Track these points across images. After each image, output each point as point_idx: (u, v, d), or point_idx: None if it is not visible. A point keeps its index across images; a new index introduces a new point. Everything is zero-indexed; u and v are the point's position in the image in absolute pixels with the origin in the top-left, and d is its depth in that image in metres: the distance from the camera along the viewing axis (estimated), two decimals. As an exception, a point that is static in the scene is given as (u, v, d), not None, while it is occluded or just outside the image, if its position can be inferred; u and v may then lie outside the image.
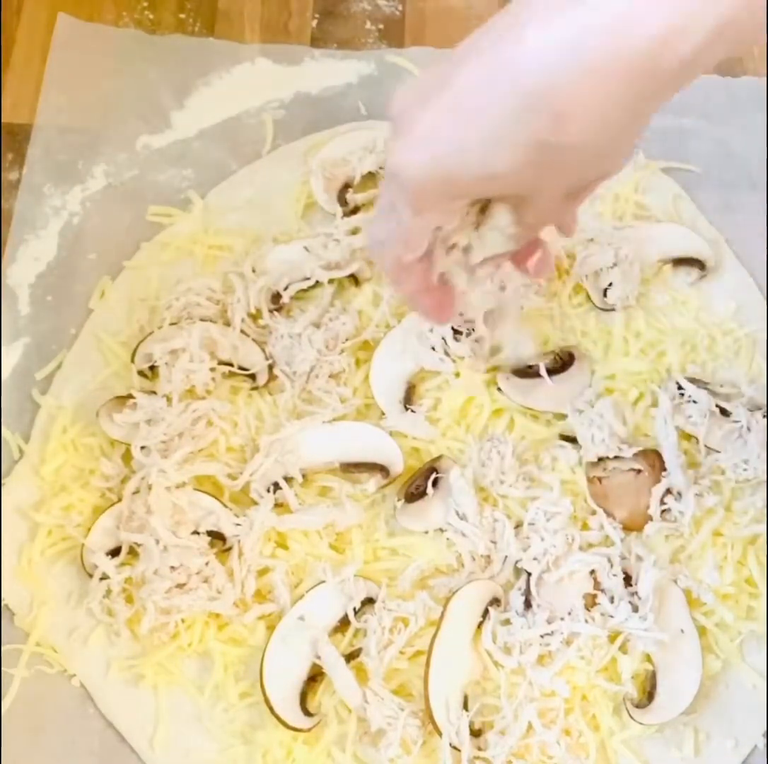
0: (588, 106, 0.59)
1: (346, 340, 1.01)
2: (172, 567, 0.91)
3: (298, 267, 1.04)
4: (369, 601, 0.91)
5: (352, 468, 0.96)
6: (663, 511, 0.94)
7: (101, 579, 0.92)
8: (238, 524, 0.94)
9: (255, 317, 1.03)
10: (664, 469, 0.95)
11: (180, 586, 0.91)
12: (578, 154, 0.63)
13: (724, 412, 0.98)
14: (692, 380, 0.99)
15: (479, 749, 0.87)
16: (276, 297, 1.04)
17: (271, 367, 1.01)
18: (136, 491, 0.95)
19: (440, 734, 0.86)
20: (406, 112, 0.66)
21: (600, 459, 0.96)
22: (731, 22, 0.56)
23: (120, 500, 0.95)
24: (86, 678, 0.92)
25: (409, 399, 0.99)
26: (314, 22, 1.21)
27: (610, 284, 1.02)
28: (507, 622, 0.90)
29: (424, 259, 0.75)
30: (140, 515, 0.93)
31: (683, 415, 0.97)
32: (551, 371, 1.00)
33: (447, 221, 0.72)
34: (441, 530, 0.94)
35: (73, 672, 0.92)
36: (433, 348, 0.99)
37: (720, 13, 0.55)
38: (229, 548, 0.93)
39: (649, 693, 0.90)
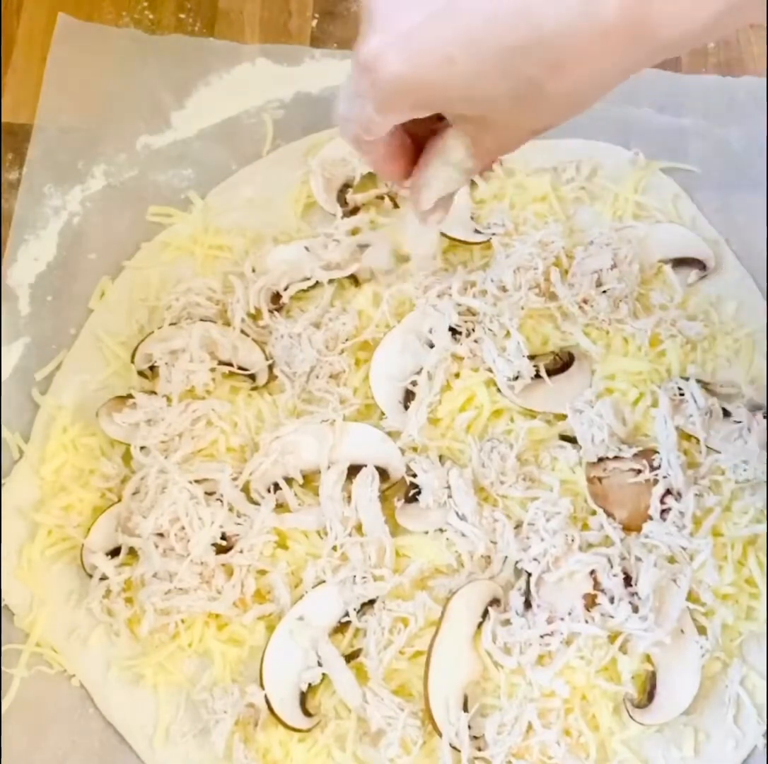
0: (590, 63, 0.59)
1: (346, 340, 1.01)
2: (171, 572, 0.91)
3: (298, 267, 1.04)
4: (369, 601, 0.91)
5: (352, 470, 0.96)
6: (663, 511, 0.94)
7: (101, 579, 0.92)
8: (238, 524, 0.94)
9: (255, 317, 1.03)
10: (664, 469, 0.95)
11: (179, 587, 0.91)
12: (562, 100, 0.62)
13: (725, 412, 0.98)
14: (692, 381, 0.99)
15: (479, 749, 0.87)
16: (276, 297, 1.04)
17: (271, 367, 1.01)
18: (136, 492, 0.95)
19: (440, 734, 0.86)
20: (390, 2, 0.62)
21: (600, 459, 0.96)
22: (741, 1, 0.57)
23: (120, 500, 0.95)
24: (86, 678, 0.92)
25: (409, 399, 0.99)
26: (314, 22, 1.21)
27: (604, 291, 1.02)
28: (507, 622, 0.90)
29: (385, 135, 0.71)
30: (139, 516, 0.93)
31: (683, 415, 0.97)
32: (551, 371, 1.00)
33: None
34: (441, 530, 0.94)
35: (73, 672, 0.92)
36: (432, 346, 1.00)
37: None
38: (229, 548, 0.93)
39: (649, 693, 0.90)
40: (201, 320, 1.02)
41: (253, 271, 1.05)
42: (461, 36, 0.59)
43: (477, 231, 1.06)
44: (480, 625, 0.90)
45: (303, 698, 0.89)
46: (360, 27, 0.63)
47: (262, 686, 0.88)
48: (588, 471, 0.96)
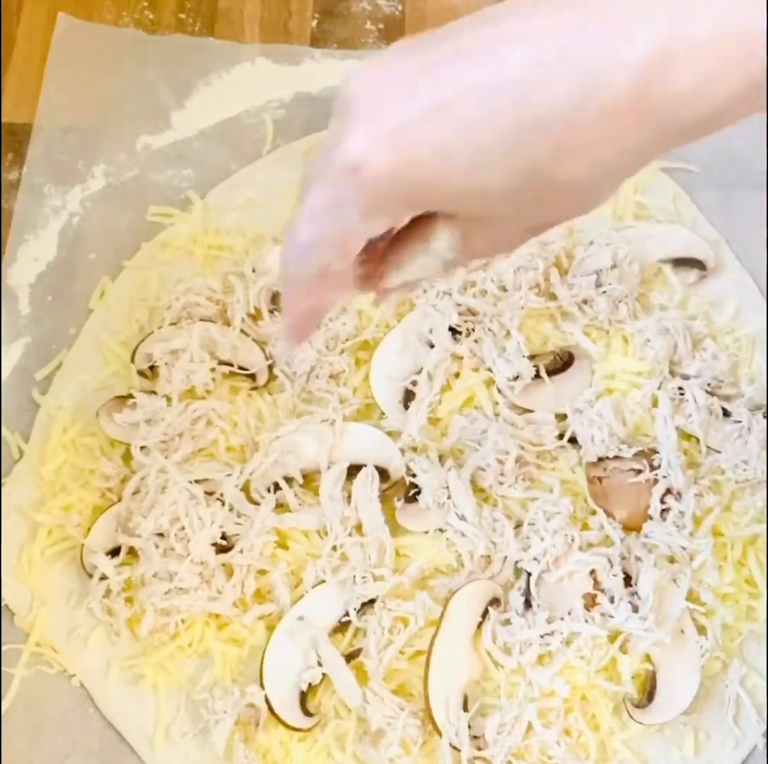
0: (594, 147, 0.54)
1: (346, 340, 1.01)
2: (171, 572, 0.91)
3: (298, 267, 1.04)
4: (369, 601, 0.91)
5: (352, 470, 0.96)
6: (663, 511, 0.94)
7: (101, 579, 0.92)
8: (238, 524, 0.94)
9: (255, 317, 1.03)
10: (664, 469, 0.95)
11: (179, 587, 0.91)
12: (567, 190, 0.57)
13: (725, 412, 0.98)
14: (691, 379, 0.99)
15: (479, 749, 0.87)
16: (276, 297, 1.04)
17: (271, 367, 1.01)
18: (136, 491, 0.95)
19: (440, 734, 0.86)
20: (372, 95, 0.57)
21: (600, 459, 0.96)
22: (758, 86, 0.53)
23: (120, 500, 0.95)
24: (86, 678, 0.92)
25: (409, 399, 0.99)
26: (314, 22, 1.21)
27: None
28: (507, 622, 0.90)
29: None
30: (139, 516, 0.93)
31: (683, 415, 0.97)
32: (551, 371, 1.00)
33: (392, 228, 0.62)
34: (441, 530, 0.94)
35: (73, 672, 0.92)
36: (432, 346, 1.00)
37: (751, 72, 0.52)
38: (230, 548, 0.93)
39: (649, 693, 0.89)
40: (201, 320, 1.02)
41: (253, 271, 1.05)
42: (459, 127, 0.54)
43: (477, 231, 1.06)
44: (480, 625, 0.90)
45: (303, 698, 0.89)
46: (332, 132, 0.57)
47: (262, 686, 0.88)
48: (588, 471, 0.96)
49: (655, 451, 0.96)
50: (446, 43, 0.59)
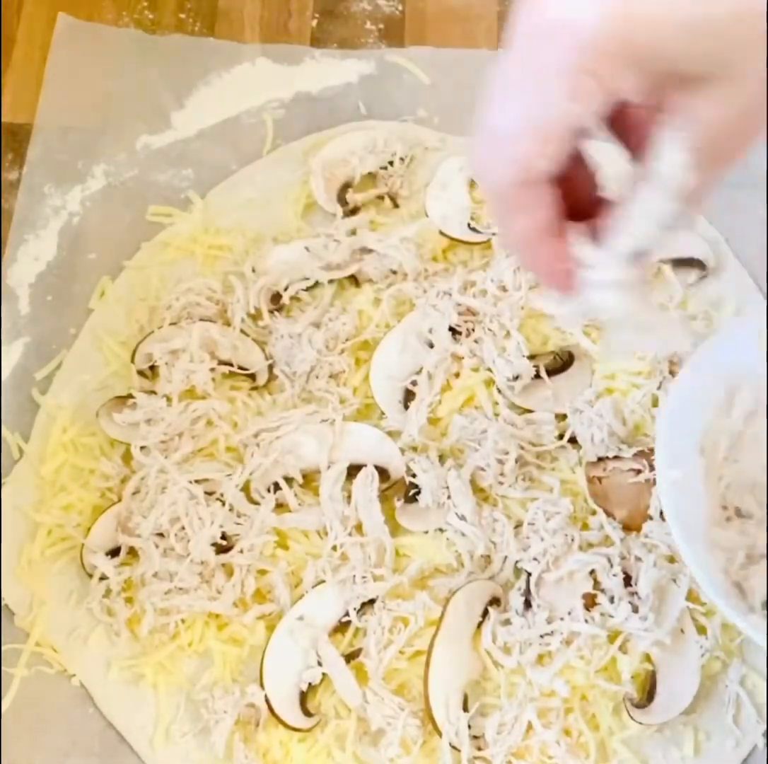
0: None
1: (346, 340, 1.01)
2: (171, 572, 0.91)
3: (298, 267, 1.04)
4: (369, 601, 0.91)
5: (352, 470, 0.96)
6: (662, 511, 0.93)
7: (101, 579, 0.92)
8: (238, 524, 0.94)
9: (255, 317, 1.03)
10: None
11: (179, 587, 0.91)
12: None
13: (725, 412, 0.98)
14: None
15: (479, 749, 0.87)
16: (276, 297, 1.04)
17: (271, 367, 1.01)
18: (136, 491, 0.95)
19: (440, 734, 0.86)
20: None
21: (600, 459, 0.96)
22: None
23: (120, 500, 0.95)
24: (86, 678, 0.92)
25: (409, 399, 0.99)
26: (314, 22, 1.21)
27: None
28: (507, 622, 0.90)
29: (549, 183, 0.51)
30: (139, 516, 0.93)
31: (683, 415, 0.98)
32: (551, 371, 1.00)
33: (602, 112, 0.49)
34: (441, 530, 0.94)
35: (73, 672, 0.92)
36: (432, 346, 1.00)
37: None
38: (229, 548, 0.93)
39: (649, 693, 0.90)
40: (201, 320, 1.02)
41: (253, 271, 1.05)
42: None
43: (477, 231, 1.06)
44: (480, 625, 0.90)
45: (303, 698, 0.89)
46: None
47: (262, 686, 0.88)
48: (588, 471, 0.96)
49: (655, 451, 0.96)
50: None
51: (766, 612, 0.88)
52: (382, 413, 0.99)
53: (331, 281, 1.04)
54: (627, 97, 0.48)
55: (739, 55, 0.47)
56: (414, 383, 0.99)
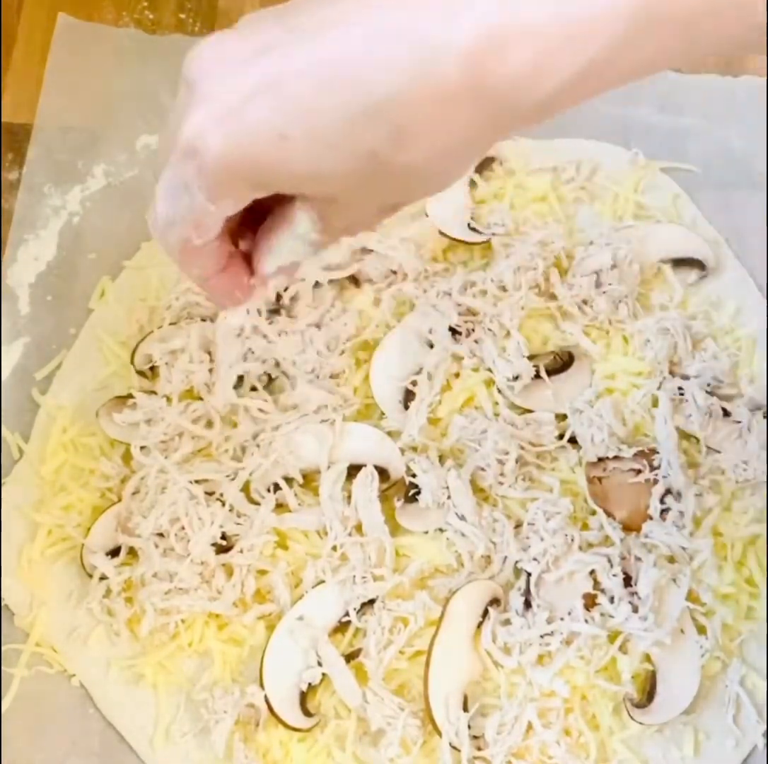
0: (431, 130, 0.52)
1: (346, 340, 1.01)
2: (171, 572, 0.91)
3: (298, 267, 1.04)
4: (369, 601, 0.91)
5: (352, 470, 0.96)
6: (663, 511, 0.94)
7: (101, 579, 0.92)
8: (238, 524, 0.94)
9: (255, 317, 1.03)
10: (664, 469, 0.95)
11: (180, 587, 0.91)
12: (410, 173, 0.55)
13: (725, 412, 0.98)
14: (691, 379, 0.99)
15: (479, 749, 0.87)
16: (276, 297, 1.04)
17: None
18: (136, 492, 0.95)
19: (440, 734, 0.86)
20: (209, 74, 0.56)
21: (600, 459, 0.96)
22: (602, 62, 0.50)
23: (120, 500, 0.95)
24: (86, 678, 0.92)
25: (409, 399, 0.99)
26: (314, 22, 1.21)
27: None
28: (507, 622, 0.90)
29: (216, 239, 0.61)
30: (139, 516, 0.93)
31: (683, 415, 0.97)
32: (551, 371, 1.00)
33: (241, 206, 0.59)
34: (441, 530, 0.94)
35: (73, 672, 0.92)
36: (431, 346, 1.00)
37: (587, 56, 0.50)
38: (229, 548, 0.93)
39: (649, 693, 0.89)
40: (201, 320, 1.02)
41: (253, 271, 1.05)
42: (292, 109, 0.52)
43: (477, 231, 1.06)
44: (480, 625, 0.90)
45: (303, 698, 0.89)
46: (175, 112, 0.57)
47: (262, 686, 0.88)
48: (588, 471, 0.96)
49: (654, 451, 0.96)
50: (285, 20, 0.56)
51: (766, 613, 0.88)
52: (382, 413, 0.99)
53: (331, 281, 1.04)
54: (257, 196, 0.57)
55: (339, 194, 0.56)
56: (414, 383, 0.99)
